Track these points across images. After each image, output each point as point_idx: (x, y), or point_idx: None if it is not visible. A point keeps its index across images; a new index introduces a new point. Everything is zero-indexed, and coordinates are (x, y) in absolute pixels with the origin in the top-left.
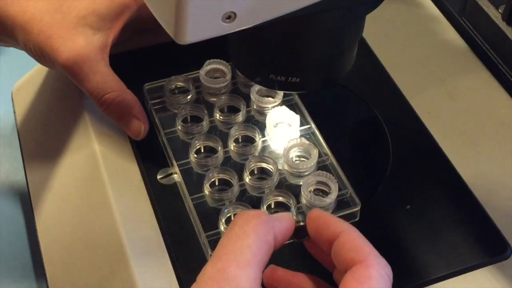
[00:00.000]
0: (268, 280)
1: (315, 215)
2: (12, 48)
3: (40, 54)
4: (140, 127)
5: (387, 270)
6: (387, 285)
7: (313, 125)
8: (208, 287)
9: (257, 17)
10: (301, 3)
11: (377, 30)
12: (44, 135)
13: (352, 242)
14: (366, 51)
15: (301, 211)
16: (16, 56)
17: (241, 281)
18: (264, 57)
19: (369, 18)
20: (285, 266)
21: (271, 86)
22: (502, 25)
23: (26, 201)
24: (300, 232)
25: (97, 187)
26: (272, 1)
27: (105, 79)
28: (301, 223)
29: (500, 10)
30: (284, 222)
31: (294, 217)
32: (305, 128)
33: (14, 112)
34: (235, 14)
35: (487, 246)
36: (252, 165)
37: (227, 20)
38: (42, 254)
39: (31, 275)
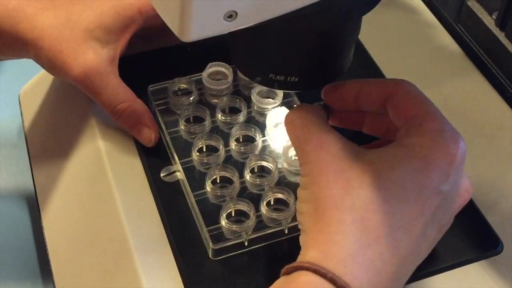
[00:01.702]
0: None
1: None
2: None
3: (52, 68)
4: (150, 135)
5: None
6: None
7: None
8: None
9: (257, 16)
10: (299, 3)
11: (375, 35)
12: (51, 136)
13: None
14: (364, 55)
15: None
16: (23, 61)
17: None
18: (264, 57)
19: (367, 23)
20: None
21: (270, 85)
22: (496, 31)
23: (32, 201)
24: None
25: (103, 185)
26: (272, 1)
27: (116, 90)
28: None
29: (493, 17)
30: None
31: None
32: None
33: (22, 115)
34: (236, 13)
35: (480, 242)
36: (253, 163)
37: (229, 19)
38: (48, 252)
39: (36, 273)
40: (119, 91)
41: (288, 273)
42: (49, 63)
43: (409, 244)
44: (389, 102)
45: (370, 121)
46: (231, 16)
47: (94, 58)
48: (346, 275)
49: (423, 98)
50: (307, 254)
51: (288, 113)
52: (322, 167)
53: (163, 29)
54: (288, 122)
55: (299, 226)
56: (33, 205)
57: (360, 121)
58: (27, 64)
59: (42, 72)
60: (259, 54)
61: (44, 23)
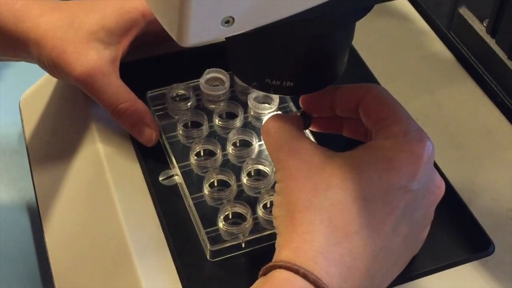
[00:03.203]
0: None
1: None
2: None
3: (54, 68)
4: (151, 134)
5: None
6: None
7: (307, 130)
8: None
9: (253, 22)
10: (294, 10)
11: (368, 42)
12: (51, 142)
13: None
14: (358, 62)
15: None
16: (23, 68)
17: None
18: (260, 62)
19: (361, 30)
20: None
21: (266, 90)
22: (487, 37)
23: (32, 206)
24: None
25: (103, 189)
26: (267, 8)
27: (117, 90)
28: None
29: (484, 24)
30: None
31: None
32: None
33: (22, 121)
34: (233, 19)
35: (471, 243)
36: (249, 167)
37: (226, 25)
38: (49, 255)
39: (37, 278)
40: (120, 91)
41: (264, 274)
42: (52, 63)
43: (379, 240)
44: (361, 107)
45: (349, 125)
46: (228, 21)
47: (97, 59)
48: (317, 270)
49: (391, 102)
50: (281, 254)
51: (264, 123)
52: (292, 173)
53: (163, 35)
54: (264, 131)
55: (275, 230)
56: (34, 210)
57: (340, 126)
58: (27, 71)
59: (42, 78)
60: (255, 59)
61: (48, 24)
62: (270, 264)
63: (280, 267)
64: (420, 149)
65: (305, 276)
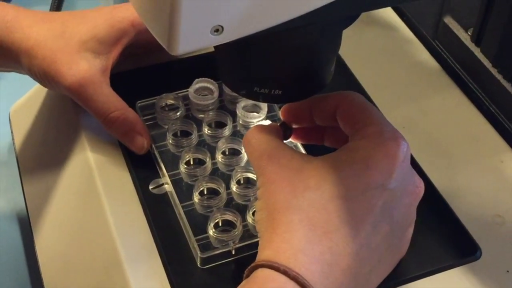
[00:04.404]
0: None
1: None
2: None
3: (45, 78)
4: (143, 142)
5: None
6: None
7: (299, 144)
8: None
9: (242, 31)
10: (282, 18)
11: (355, 51)
12: (41, 152)
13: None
14: (345, 71)
15: None
16: (13, 79)
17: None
18: (248, 70)
19: (348, 39)
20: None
21: (255, 98)
22: (472, 46)
23: (23, 217)
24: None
25: (93, 199)
26: (256, 17)
27: (108, 99)
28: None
29: (469, 33)
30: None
31: None
32: (288, 141)
33: (12, 132)
34: (222, 27)
35: (458, 248)
36: (239, 175)
37: (215, 33)
38: (40, 265)
39: (28, 287)
40: (111, 100)
41: (248, 275)
42: (43, 73)
43: (359, 238)
44: (338, 114)
45: (330, 134)
46: (217, 30)
47: (88, 68)
48: (297, 267)
49: (366, 106)
50: (262, 254)
51: (245, 134)
52: (272, 177)
53: (153, 45)
54: (245, 141)
55: (258, 234)
56: (24, 221)
57: (321, 136)
58: (18, 82)
59: (32, 90)
60: (244, 68)
61: (39, 34)
62: (252, 264)
63: (262, 266)
64: (395, 148)
65: (285, 273)
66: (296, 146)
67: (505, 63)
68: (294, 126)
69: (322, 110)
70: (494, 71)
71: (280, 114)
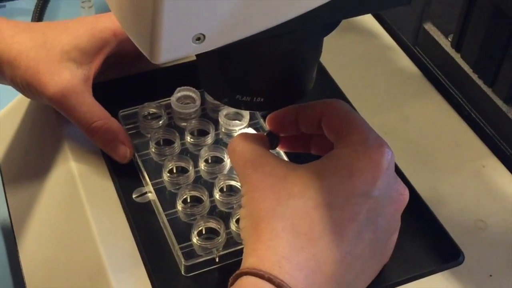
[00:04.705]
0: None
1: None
2: None
3: (28, 88)
4: (126, 151)
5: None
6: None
7: (281, 152)
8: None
9: (224, 39)
10: (263, 26)
11: (336, 59)
12: (24, 162)
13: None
14: (326, 78)
15: None
16: None
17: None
18: (230, 78)
19: (329, 48)
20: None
21: (237, 106)
22: (452, 52)
23: (7, 228)
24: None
25: (77, 208)
26: (237, 25)
27: (91, 109)
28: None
29: (449, 39)
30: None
31: None
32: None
33: None
34: (204, 36)
35: (441, 253)
36: (222, 182)
37: (197, 42)
38: (24, 277)
39: None
40: (94, 110)
41: (232, 283)
42: (25, 83)
43: (343, 246)
44: (322, 121)
45: (316, 142)
46: (199, 38)
47: (70, 78)
48: (281, 274)
49: (350, 114)
50: (246, 262)
51: (230, 142)
52: (256, 185)
53: (135, 54)
54: (230, 149)
55: (243, 242)
56: (8, 231)
57: (307, 144)
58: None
59: (15, 100)
60: (225, 76)
61: (21, 45)
62: (237, 272)
63: (246, 273)
64: (379, 156)
65: (270, 280)
66: (279, 154)
67: (485, 68)
68: (281, 135)
69: (307, 118)
70: (474, 77)
71: (266, 123)
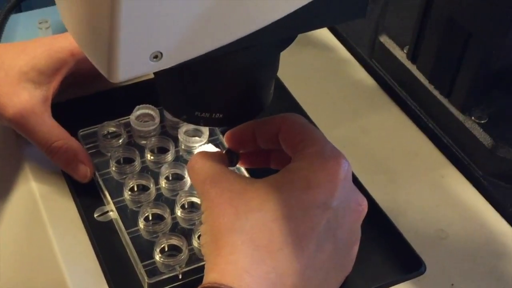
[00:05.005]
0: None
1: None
2: None
3: None
4: (86, 171)
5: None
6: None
7: (242, 168)
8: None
9: (181, 56)
10: (220, 43)
11: (294, 73)
12: None
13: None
14: (284, 93)
15: None
16: None
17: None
18: (188, 95)
19: (286, 62)
20: None
21: (196, 122)
22: (408, 63)
23: None
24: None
25: (38, 229)
26: (194, 42)
27: (50, 129)
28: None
29: (405, 51)
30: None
31: None
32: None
33: None
34: (161, 53)
35: (403, 264)
36: (183, 199)
37: (155, 59)
38: None
39: None
40: (53, 130)
41: None
42: None
43: (303, 257)
44: (280, 136)
45: (275, 157)
46: (156, 56)
47: (29, 99)
48: (243, 287)
49: (306, 126)
50: (208, 277)
51: (189, 160)
52: (215, 201)
53: (93, 73)
54: (189, 167)
55: (204, 258)
56: None
57: (267, 159)
58: None
59: None
60: (184, 93)
61: None
62: (199, 287)
63: None
64: (335, 167)
65: None
66: (239, 170)
67: (441, 79)
68: (240, 152)
69: (265, 134)
70: (430, 87)
71: (225, 141)
